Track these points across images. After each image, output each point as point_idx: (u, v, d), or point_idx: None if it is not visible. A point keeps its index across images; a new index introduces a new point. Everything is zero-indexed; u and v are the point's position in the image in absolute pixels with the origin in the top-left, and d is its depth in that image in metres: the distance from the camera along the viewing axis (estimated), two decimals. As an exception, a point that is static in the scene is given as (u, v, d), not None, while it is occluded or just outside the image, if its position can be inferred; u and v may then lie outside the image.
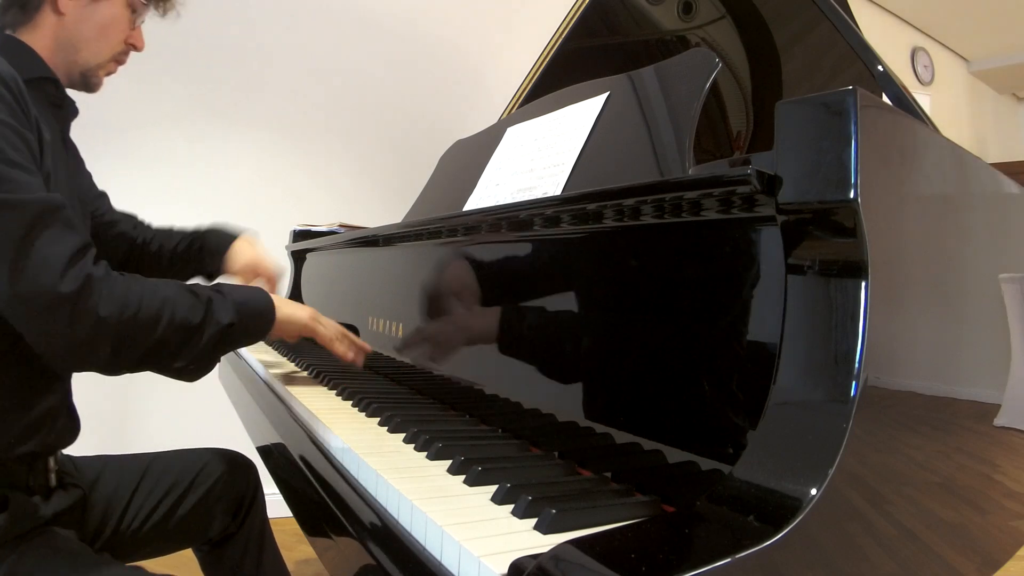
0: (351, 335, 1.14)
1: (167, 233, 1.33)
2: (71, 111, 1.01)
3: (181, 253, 1.29)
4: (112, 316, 0.75)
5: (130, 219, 1.30)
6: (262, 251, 1.32)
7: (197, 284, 0.90)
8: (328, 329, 1.09)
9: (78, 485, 0.96)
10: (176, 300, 0.82)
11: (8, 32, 0.93)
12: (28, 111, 0.79)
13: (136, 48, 1.03)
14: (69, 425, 0.92)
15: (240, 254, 1.29)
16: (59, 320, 0.72)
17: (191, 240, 1.31)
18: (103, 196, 1.25)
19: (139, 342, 0.78)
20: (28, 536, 0.82)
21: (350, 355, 1.12)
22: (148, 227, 1.32)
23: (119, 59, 1.01)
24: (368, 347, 1.16)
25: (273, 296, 0.99)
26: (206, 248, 1.30)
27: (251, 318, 0.93)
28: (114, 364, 0.79)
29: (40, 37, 0.93)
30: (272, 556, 1.22)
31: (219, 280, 1.18)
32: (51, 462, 0.90)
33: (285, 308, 1.01)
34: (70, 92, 0.99)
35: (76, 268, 0.73)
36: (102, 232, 1.19)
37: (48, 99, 0.94)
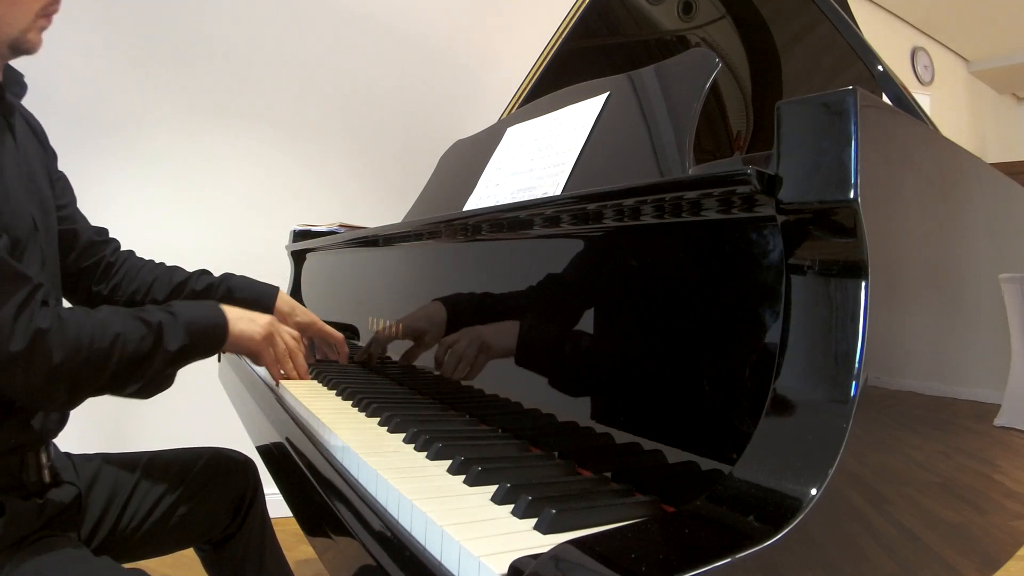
0: (298, 353, 1.10)
1: (163, 266, 1.25)
2: (14, 94, 0.96)
3: (197, 292, 1.24)
4: (65, 363, 0.76)
5: (94, 227, 1.19)
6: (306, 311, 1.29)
7: (148, 308, 0.89)
8: (276, 352, 1.06)
9: (72, 483, 0.96)
10: (126, 334, 0.83)
11: None
12: None
13: None
14: (57, 416, 0.93)
15: (296, 309, 1.26)
16: (15, 378, 0.74)
17: (209, 283, 1.25)
18: (70, 192, 1.14)
19: (93, 380, 0.81)
20: (26, 541, 0.82)
21: (294, 375, 1.09)
22: (129, 253, 1.23)
23: (48, 11, 0.92)
24: (304, 371, 1.12)
25: (229, 310, 0.98)
26: (236, 291, 1.25)
27: (203, 337, 0.93)
28: (71, 402, 0.82)
29: None
30: (274, 555, 1.22)
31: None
32: (43, 457, 0.90)
33: (239, 325, 0.99)
34: (15, 63, 0.94)
35: (23, 323, 0.73)
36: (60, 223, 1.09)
37: None
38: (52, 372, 0.76)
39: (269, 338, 1.04)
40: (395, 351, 1.16)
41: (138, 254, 1.25)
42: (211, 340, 0.94)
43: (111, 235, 1.22)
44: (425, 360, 1.04)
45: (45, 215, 0.95)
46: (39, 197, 0.95)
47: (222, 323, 0.96)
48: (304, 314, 1.27)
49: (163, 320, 0.87)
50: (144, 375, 0.85)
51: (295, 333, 1.11)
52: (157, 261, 1.26)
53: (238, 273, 1.31)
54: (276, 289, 1.29)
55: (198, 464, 1.13)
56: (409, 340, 1.09)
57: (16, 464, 0.86)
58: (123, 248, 1.23)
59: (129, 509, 1.04)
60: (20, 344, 0.73)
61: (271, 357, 1.05)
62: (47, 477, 0.90)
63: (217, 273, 1.29)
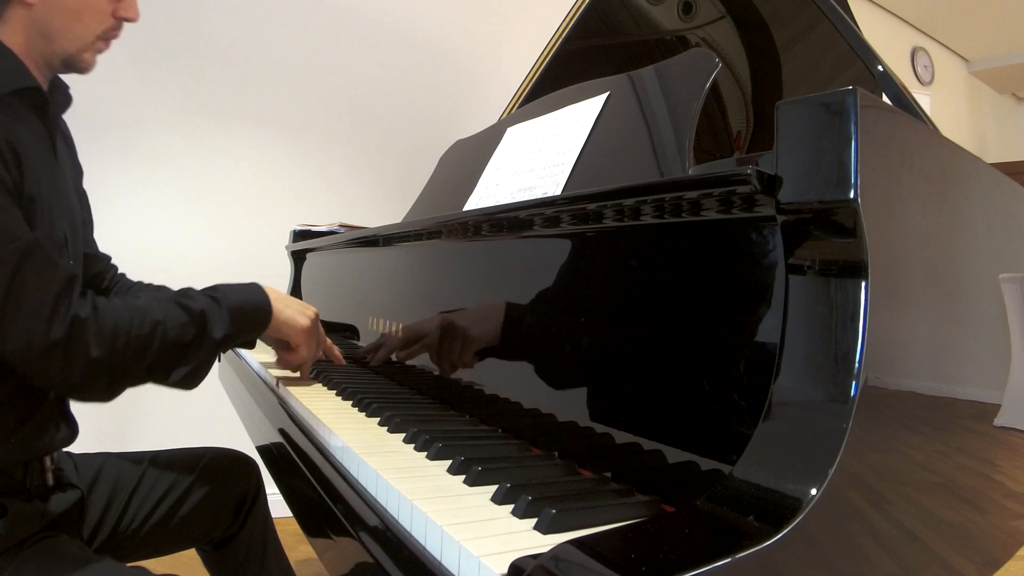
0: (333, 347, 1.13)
1: (152, 286, 1.24)
2: (60, 107, 0.97)
3: None
4: (104, 353, 0.76)
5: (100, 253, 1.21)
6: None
7: (190, 293, 0.88)
8: (319, 342, 1.07)
9: (76, 485, 0.96)
10: (167, 322, 0.81)
11: None
12: None
13: (129, 20, 0.95)
14: (66, 431, 0.92)
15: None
16: (53, 366, 0.73)
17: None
18: (89, 211, 1.17)
19: (133, 369, 0.80)
20: (28, 542, 0.81)
21: (340, 360, 1.11)
22: (123, 276, 1.24)
23: (108, 35, 0.94)
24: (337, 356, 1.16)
25: (272, 293, 0.97)
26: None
27: (248, 322, 0.91)
28: (111, 392, 0.81)
29: (12, 32, 0.88)
30: (276, 556, 1.21)
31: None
32: (47, 462, 0.90)
33: (286, 312, 0.98)
34: (64, 77, 0.95)
35: (62, 312, 0.73)
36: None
37: (30, 105, 0.89)
38: (89, 364, 0.75)
39: (312, 329, 1.03)
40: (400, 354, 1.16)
41: (138, 254, 1.26)
42: (255, 324, 0.93)
43: (107, 247, 1.22)
44: (425, 360, 1.04)
45: (74, 231, 0.95)
46: (70, 214, 0.95)
47: (266, 307, 0.95)
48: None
49: (206, 308, 0.86)
50: (188, 363, 0.84)
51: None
52: (146, 282, 1.25)
53: (241, 273, 1.30)
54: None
55: (200, 464, 1.13)
56: (418, 346, 1.10)
57: (20, 469, 0.86)
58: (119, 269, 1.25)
59: (131, 509, 1.04)
60: (59, 332, 0.72)
61: (311, 351, 1.05)
62: (50, 481, 0.90)
63: (213, 277, 1.27)
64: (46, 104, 0.92)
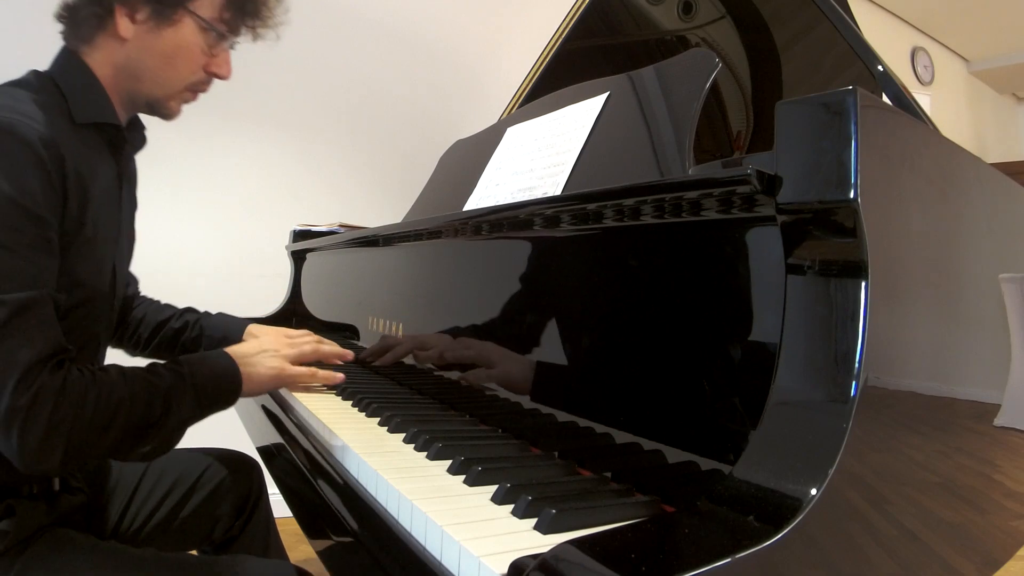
0: (325, 346, 1.05)
1: (154, 305, 1.24)
2: (134, 147, 0.96)
3: (172, 333, 1.20)
4: (64, 425, 0.70)
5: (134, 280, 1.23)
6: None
7: (157, 369, 0.81)
8: (302, 370, 0.98)
9: (81, 488, 0.96)
10: (132, 400, 0.76)
11: (71, 49, 0.86)
12: (64, 173, 0.74)
13: (220, 77, 0.93)
14: None
15: (265, 335, 1.16)
16: (8, 431, 0.68)
17: (186, 321, 1.21)
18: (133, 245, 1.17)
19: (93, 445, 0.73)
20: (34, 538, 0.81)
21: (339, 376, 1.03)
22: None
23: (197, 88, 0.93)
24: (349, 353, 1.08)
25: (237, 357, 0.89)
26: (207, 333, 1.20)
27: (216, 398, 0.85)
28: (66, 466, 0.74)
29: (100, 61, 0.86)
30: (277, 557, 1.21)
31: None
32: None
33: (252, 379, 0.90)
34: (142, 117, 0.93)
35: (33, 378, 0.68)
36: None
37: (106, 140, 0.87)
38: (48, 434, 0.69)
39: (281, 370, 0.94)
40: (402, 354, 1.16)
41: (138, 254, 1.25)
42: (224, 396, 0.87)
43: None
44: (425, 360, 1.04)
45: (121, 266, 0.94)
46: (122, 253, 0.94)
47: (236, 379, 0.88)
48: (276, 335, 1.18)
49: (172, 386, 0.80)
50: (152, 441, 0.78)
51: (304, 347, 1.02)
52: (151, 298, 1.26)
53: (241, 273, 1.29)
54: (245, 323, 1.22)
55: (202, 465, 1.13)
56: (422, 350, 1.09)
57: (25, 479, 0.85)
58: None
59: (131, 510, 1.04)
60: (22, 399, 0.67)
61: (304, 377, 0.98)
62: (56, 484, 0.90)
63: (214, 277, 1.27)
64: (123, 143, 0.90)
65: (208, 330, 1.21)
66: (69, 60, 0.86)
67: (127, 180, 0.96)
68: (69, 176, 0.76)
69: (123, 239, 0.95)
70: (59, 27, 0.88)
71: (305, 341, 1.03)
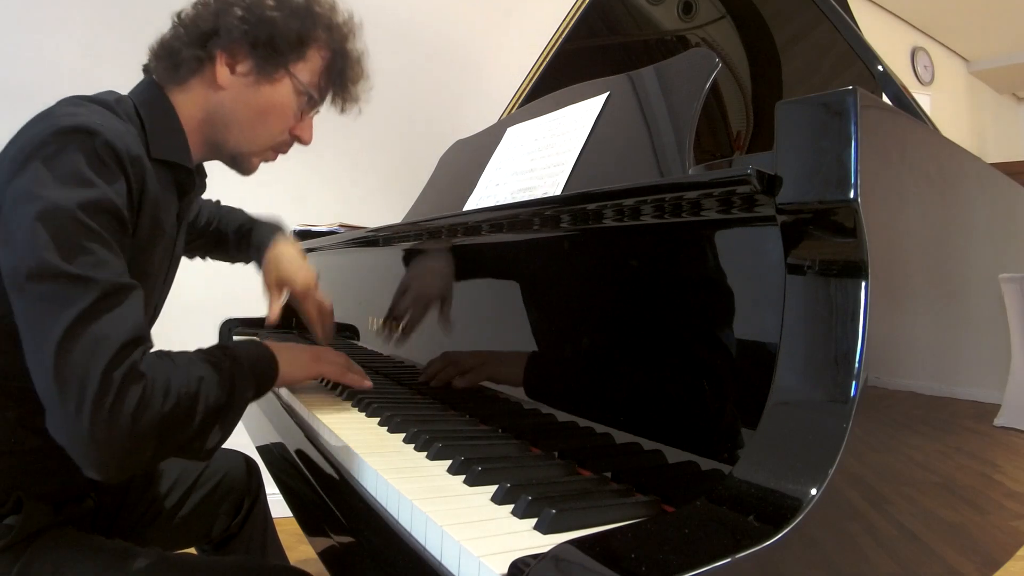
0: (353, 364, 1.03)
1: (228, 213, 1.32)
2: (198, 192, 0.95)
3: (234, 240, 1.28)
4: (154, 411, 0.66)
5: (210, 206, 1.29)
6: (292, 264, 1.20)
7: (210, 351, 0.79)
8: (334, 364, 0.97)
9: (89, 495, 0.95)
10: (207, 384, 0.72)
11: (158, 83, 0.86)
12: (144, 192, 0.74)
13: (302, 142, 0.94)
14: None
15: (271, 269, 1.18)
16: (99, 412, 0.62)
17: (241, 228, 1.28)
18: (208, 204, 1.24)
19: (181, 430, 0.70)
20: (38, 535, 0.81)
21: (367, 383, 1.00)
22: (215, 205, 1.32)
23: (279, 148, 0.93)
24: (368, 383, 1.03)
25: (274, 348, 0.87)
26: (251, 242, 1.25)
27: (264, 381, 0.83)
28: (155, 459, 0.70)
29: (190, 103, 0.85)
30: (275, 556, 1.22)
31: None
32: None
33: (287, 367, 0.88)
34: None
35: (127, 358, 0.65)
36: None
37: (174, 180, 0.86)
38: (141, 418, 0.64)
39: (318, 356, 0.94)
40: (396, 340, 1.16)
41: None
42: (265, 389, 0.85)
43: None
44: (423, 359, 1.04)
45: (160, 304, 0.95)
46: (164, 293, 0.95)
47: (274, 365, 0.85)
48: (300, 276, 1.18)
49: (230, 366, 0.77)
50: (224, 427, 0.74)
51: (337, 354, 1.00)
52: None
53: (241, 272, 1.30)
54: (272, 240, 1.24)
55: (202, 465, 1.13)
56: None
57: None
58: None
59: (132, 508, 1.04)
60: (118, 374, 0.64)
61: (336, 372, 0.97)
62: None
63: (214, 277, 1.27)
64: (192, 188, 0.89)
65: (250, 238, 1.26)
66: (156, 96, 0.85)
67: (184, 223, 0.96)
68: (147, 198, 0.75)
69: (170, 279, 0.95)
70: (151, 62, 0.87)
71: (335, 362, 0.99)
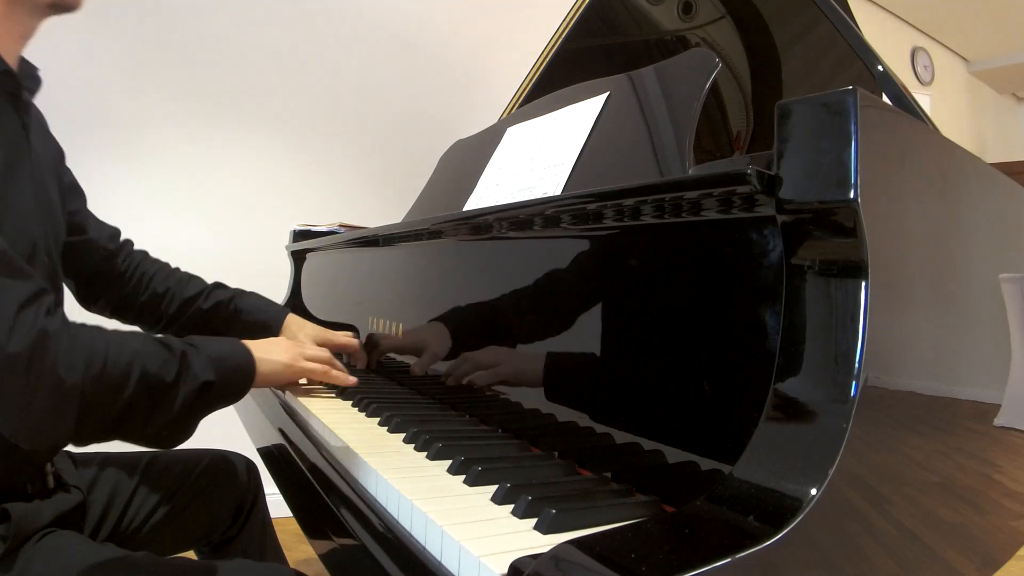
0: (336, 362, 1.04)
1: (177, 275, 1.17)
2: (31, 92, 0.86)
3: (205, 311, 1.15)
4: (75, 376, 0.62)
5: (107, 229, 1.13)
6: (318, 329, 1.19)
7: (167, 336, 0.77)
8: (315, 364, 0.98)
9: (78, 487, 0.95)
10: (146, 354, 0.69)
11: None
12: None
13: None
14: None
15: (305, 327, 1.15)
16: (12, 385, 0.59)
17: (220, 299, 1.16)
18: (79, 193, 1.07)
19: (107, 406, 0.66)
20: (32, 540, 0.81)
21: (351, 380, 1.02)
22: (142, 257, 1.17)
23: None
24: (353, 380, 1.05)
25: (249, 344, 0.86)
26: (244, 314, 1.16)
27: (230, 376, 0.80)
28: (79, 434, 0.67)
29: None
30: (275, 558, 1.21)
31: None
32: (47, 465, 0.89)
33: (264, 364, 0.87)
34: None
35: (27, 321, 0.60)
36: (71, 233, 1.02)
37: (2, 90, 0.78)
38: (57, 386, 0.61)
39: (296, 357, 0.94)
40: (395, 353, 1.16)
41: None
42: (238, 379, 0.83)
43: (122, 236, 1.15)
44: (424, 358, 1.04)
45: (54, 228, 0.88)
46: (49, 210, 0.87)
47: (249, 359, 0.84)
48: (314, 330, 1.19)
49: (186, 350, 0.74)
50: (167, 412, 0.71)
51: (320, 350, 1.02)
52: (172, 266, 1.21)
53: (241, 272, 1.29)
54: (286, 311, 1.20)
55: (199, 466, 1.13)
56: (413, 354, 1.09)
57: (19, 474, 0.85)
58: (136, 248, 1.18)
59: (130, 511, 1.04)
60: (21, 344, 0.59)
61: (319, 370, 0.98)
62: (51, 483, 0.90)
63: (213, 277, 1.25)
64: (19, 90, 0.81)
65: (244, 313, 1.17)
66: None
67: (35, 129, 0.88)
68: None
69: (47, 197, 0.88)
70: None
71: (319, 358, 1.00)
